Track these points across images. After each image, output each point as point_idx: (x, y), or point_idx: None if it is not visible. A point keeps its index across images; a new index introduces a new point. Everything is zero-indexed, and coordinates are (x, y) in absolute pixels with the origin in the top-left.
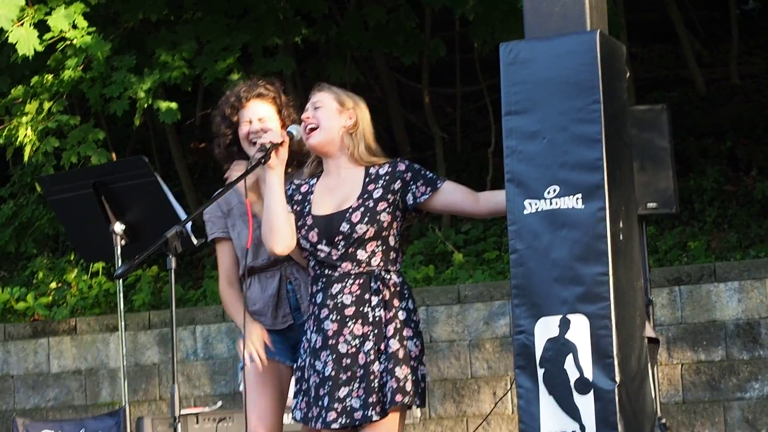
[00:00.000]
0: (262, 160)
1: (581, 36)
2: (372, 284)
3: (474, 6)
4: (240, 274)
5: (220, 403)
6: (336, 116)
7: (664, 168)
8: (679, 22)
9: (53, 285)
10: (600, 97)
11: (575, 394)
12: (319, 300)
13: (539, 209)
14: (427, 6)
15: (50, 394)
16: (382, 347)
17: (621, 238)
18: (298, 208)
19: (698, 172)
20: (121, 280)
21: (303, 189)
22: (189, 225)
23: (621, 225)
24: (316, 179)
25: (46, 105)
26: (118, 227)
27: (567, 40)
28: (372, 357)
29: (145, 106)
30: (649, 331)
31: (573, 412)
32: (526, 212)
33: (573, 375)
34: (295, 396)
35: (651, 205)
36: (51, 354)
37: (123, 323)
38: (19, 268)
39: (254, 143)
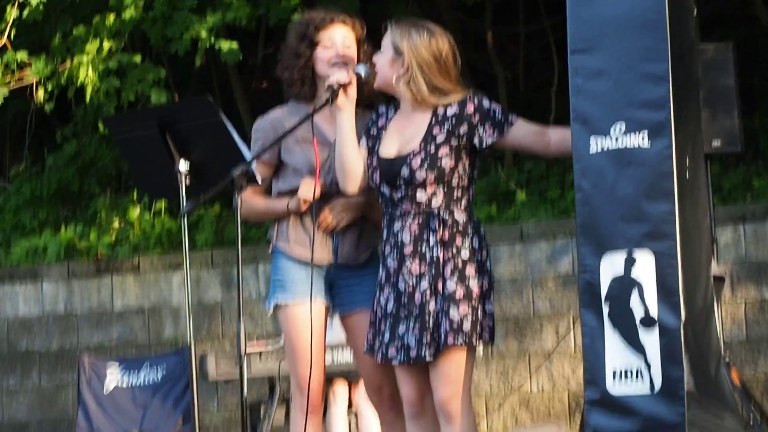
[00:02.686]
0: (330, 101)
1: None
2: (431, 224)
3: None
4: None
5: (282, 341)
6: (389, 65)
7: (729, 106)
8: None
9: (116, 224)
10: (667, 34)
11: (640, 332)
12: (384, 236)
13: (605, 148)
14: None
15: (114, 332)
16: (439, 287)
17: (687, 176)
18: (371, 144)
19: (763, 110)
20: (185, 219)
21: (380, 123)
22: (254, 164)
23: (687, 163)
24: (395, 111)
25: (107, 44)
26: (183, 166)
27: None
28: (428, 296)
29: (207, 46)
30: (714, 269)
31: (638, 349)
32: (591, 151)
33: (638, 312)
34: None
35: (716, 143)
36: (114, 292)
37: (188, 261)
38: (82, 207)
39: (335, 65)
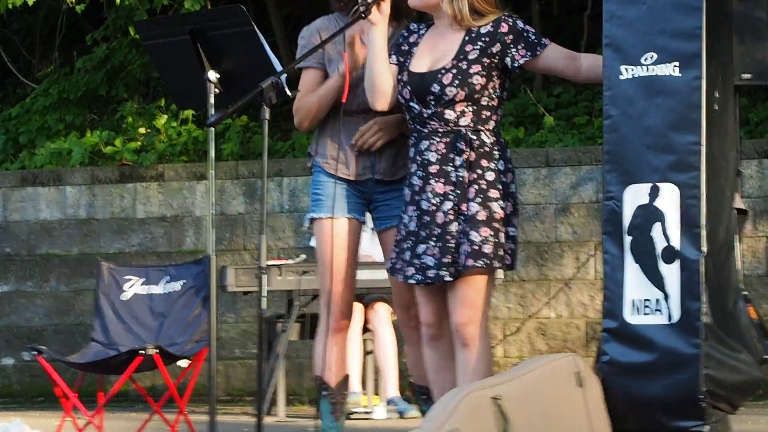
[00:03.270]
0: (363, 15)
1: None
2: (458, 144)
3: None
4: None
5: (303, 256)
6: None
7: (761, 39)
8: None
9: (142, 130)
10: None
11: (661, 263)
12: (411, 154)
13: (635, 75)
14: None
15: (135, 239)
16: (463, 208)
17: (716, 107)
18: (402, 60)
19: None
20: (212, 129)
21: (411, 39)
22: (284, 76)
23: (716, 95)
24: (427, 29)
25: None
26: (213, 75)
27: None
28: (451, 217)
29: None
30: (738, 202)
31: (658, 281)
32: (621, 78)
33: (660, 243)
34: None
35: (746, 76)
36: (137, 199)
37: (213, 171)
38: (109, 111)
39: None
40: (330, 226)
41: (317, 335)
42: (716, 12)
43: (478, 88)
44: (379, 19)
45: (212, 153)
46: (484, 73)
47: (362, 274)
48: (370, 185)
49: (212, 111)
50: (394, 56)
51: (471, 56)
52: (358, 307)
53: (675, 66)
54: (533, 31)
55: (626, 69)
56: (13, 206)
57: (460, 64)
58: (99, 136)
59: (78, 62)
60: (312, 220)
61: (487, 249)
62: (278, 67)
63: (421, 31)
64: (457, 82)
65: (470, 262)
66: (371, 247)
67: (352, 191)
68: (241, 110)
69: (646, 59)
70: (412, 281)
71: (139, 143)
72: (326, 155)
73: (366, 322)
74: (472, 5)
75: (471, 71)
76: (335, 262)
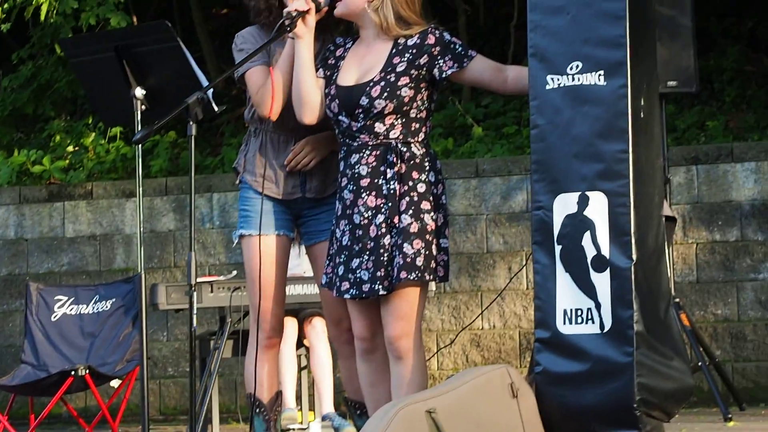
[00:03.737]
0: (288, 29)
1: None
2: (388, 156)
3: None
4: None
5: (234, 272)
6: None
7: (685, 46)
8: None
9: (70, 148)
10: None
11: (592, 271)
12: (341, 168)
13: (561, 85)
14: None
15: (64, 258)
16: (395, 221)
17: (642, 115)
18: (328, 74)
19: (719, 51)
20: (139, 145)
21: (338, 53)
22: (210, 91)
23: (642, 102)
24: (353, 42)
25: None
26: (139, 92)
27: None
28: (383, 230)
29: None
30: (666, 210)
31: (589, 289)
32: (548, 87)
33: (590, 252)
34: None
35: (671, 83)
36: (66, 218)
37: (141, 188)
38: (36, 130)
39: None
40: (258, 243)
41: (248, 352)
42: (640, 20)
43: (406, 100)
44: (305, 32)
45: (140, 170)
46: (413, 85)
47: (296, 289)
48: (299, 202)
49: (139, 128)
50: (320, 70)
51: (399, 68)
52: (293, 322)
53: (600, 75)
54: (460, 42)
55: (552, 78)
56: None
57: (388, 77)
58: (27, 155)
59: (4, 81)
60: (241, 236)
61: (420, 261)
62: (204, 83)
63: (348, 45)
64: (385, 94)
65: (403, 274)
66: (303, 262)
67: (280, 207)
68: (168, 126)
69: (571, 68)
70: (347, 296)
71: (68, 162)
72: (255, 173)
73: (302, 337)
74: (398, 13)
75: (399, 83)
76: (264, 278)
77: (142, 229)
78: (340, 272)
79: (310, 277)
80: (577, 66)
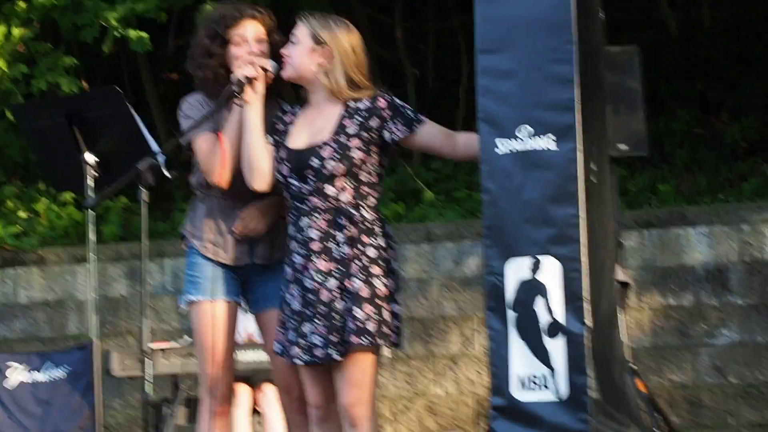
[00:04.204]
0: (235, 95)
1: None
2: (338, 220)
3: None
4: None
5: (188, 339)
6: (308, 55)
7: (635, 110)
8: None
9: (22, 214)
10: (573, 37)
11: (545, 337)
12: (290, 232)
13: (512, 149)
14: None
15: (17, 325)
16: (347, 284)
17: (593, 179)
18: (278, 139)
19: (669, 114)
20: (90, 211)
21: (286, 119)
22: (161, 157)
23: (593, 166)
24: (300, 108)
25: (16, 31)
26: (90, 158)
27: None
28: (337, 294)
29: (117, 35)
30: (619, 274)
31: (543, 355)
32: (498, 152)
33: (543, 318)
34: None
35: (622, 146)
36: (18, 284)
37: (92, 254)
38: None
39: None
40: (208, 309)
41: (200, 420)
42: (589, 83)
43: (357, 162)
44: (254, 98)
45: (92, 235)
46: (364, 147)
47: (246, 355)
48: (247, 268)
49: (90, 193)
50: (269, 136)
51: (350, 130)
52: (245, 389)
53: (551, 139)
54: (410, 108)
55: (502, 143)
56: None
57: (339, 138)
58: None
59: None
60: (189, 302)
61: (371, 326)
62: (155, 148)
63: (296, 111)
64: (337, 155)
65: (354, 339)
66: (252, 327)
67: (228, 273)
68: (120, 191)
69: (521, 132)
70: (298, 362)
71: (19, 227)
72: (203, 238)
73: (255, 403)
74: (348, 77)
75: (350, 145)
76: (215, 345)
77: (94, 295)
78: (292, 338)
79: (260, 344)
80: (528, 130)
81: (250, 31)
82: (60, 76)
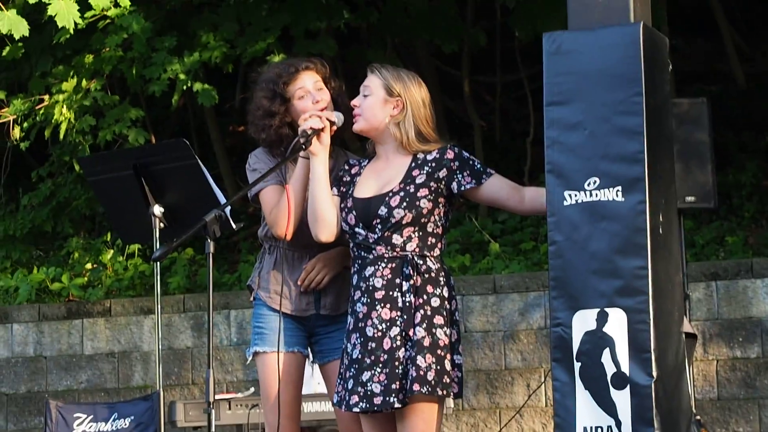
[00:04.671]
0: (303, 147)
1: (625, 28)
2: (404, 269)
3: None
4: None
5: (252, 389)
6: (381, 106)
7: (703, 162)
8: (721, 15)
9: (89, 266)
10: (642, 89)
11: (612, 389)
12: (354, 281)
13: (579, 201)
14: None
15: (83, 376)
16: (410, 333)
17: (660, 231)
18: (344, 190)
19: (737, 166)
20: (157, 263)
21: (353, 171)
22: (228, 209)
23: (660, 218)
24: (368, 160)
25: (85, 83)
26: (157, 210)
27: (610, 31)
28: (398, 343)
29: (184, 88)
30: (686, 326)
31: (609, 407)
32: (565, 203)
33: (610, 369)
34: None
35: (690, 198)
36: (85, 335)
37: (159, 306)
38: (55, 248)
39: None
40: (274, 361)
41: None
42: (657, 135)
43: (425, 212)
44: (320, 149)
45: (158, 287)
46: (431, 197)
47: (312, 407)
48: (312, 319)
49: (157, 245)
50: (335, 188)
51: (418, 180)
52: None
53: (618, 190)
54: (478, 161)
55: (570, 195)
56: None
57: (407, 187)
58: (45, 272)
59: (23, 199)
60: (255, 353)
61: (431, 376)
62: (222, 200)
63: (363, 163)
64: (405, 204)
65: (416, 387)
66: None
67: (295, 324)
68: (186, 243)
69: (589, 184)
70: (356, 410)
71: (86, 279)
72: (269, 289)
73: None
74: (418, 129)
75: (419, 194)
76: (281, 396)
77: (160, 346)
78: (349, 386)
79: (324, 394)
80: (595, 182)
81: (309, 82)
82: (126, 127)
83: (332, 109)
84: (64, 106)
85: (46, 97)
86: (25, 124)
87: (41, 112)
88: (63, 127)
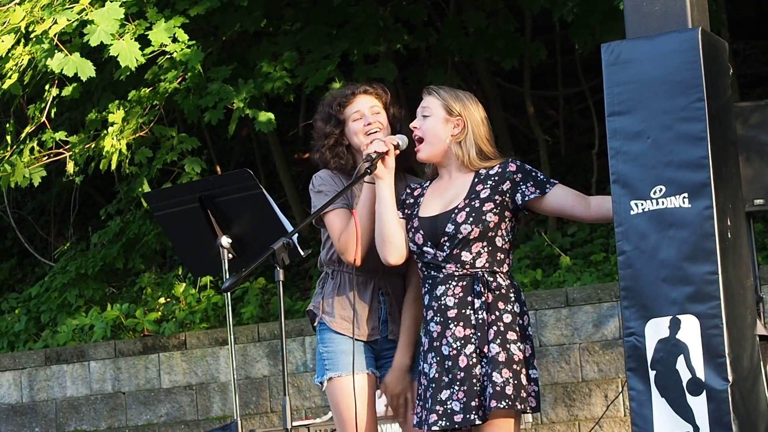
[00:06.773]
0: (368, 171)
1: (683, 34)
2: (475, 287)
3: (573, 7)
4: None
5: (330, 414)
6: (442, 126)
7: None
8: None
9: (161, 300)
10: (704, 95)
11: (688, 395)
12: (426, 302)
13: (646, 209)
14: (526, 9)
15: (162, 410)
16: (485, 350)
17: (729, 236)
18: (409, 212)
19: None
20: (229, 293)
21: (416, 192)
22: (296, 236)
23: (728, 223)
24: (430, 182)
25: (139, 117)
26: (225, 241)
27: (669, 38)
28: (474, 360)
29: (242, 115)
30: (760, 329)
31: (686, 414)
32: (632, 213)
33: (685, 376)
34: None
35: (758, 201)
36: (161, 369)
37: (232, 336)
38: (127, 284)
39: (369, 134)
40: (349, 383)
41: None
42: (721, 140)
43: (491, 225)
44: (385, 173)
45: (230, 317)
46: (497, 211)
47: (390, 429)
48: (380, 343)
49: (227, 276)
50: (399, 211)
51: (483, 195)
52: None
53: (684, 197)
54: (541, 172)
55: (636, 204)
56: (39, 385)
57: (472, 203)
58: (119, 309)
59: (93, 237)
60: (328, 379)
61: (509, 390)
62: (289, 227)
63: (425, 185)
64: (471, 219)
65: (494, 403)
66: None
67: (363, 347)
68: (257, 272)
69: (655, 192)
70: (435, 428)
71: (160, 313)
72: (334, 314)
73: None
74: (479, 147)
75: (484, 209)
76: (359, 419)
77: (236, 376)
78: (428, 405)
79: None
80: (661, 190)
81: (365, 105)
82: (177, 155)
83: (389, 133)
84: (114, 137)
85: (103, 130)
86: (78, 157)
87: (92, 146)
88: (114, 158)
